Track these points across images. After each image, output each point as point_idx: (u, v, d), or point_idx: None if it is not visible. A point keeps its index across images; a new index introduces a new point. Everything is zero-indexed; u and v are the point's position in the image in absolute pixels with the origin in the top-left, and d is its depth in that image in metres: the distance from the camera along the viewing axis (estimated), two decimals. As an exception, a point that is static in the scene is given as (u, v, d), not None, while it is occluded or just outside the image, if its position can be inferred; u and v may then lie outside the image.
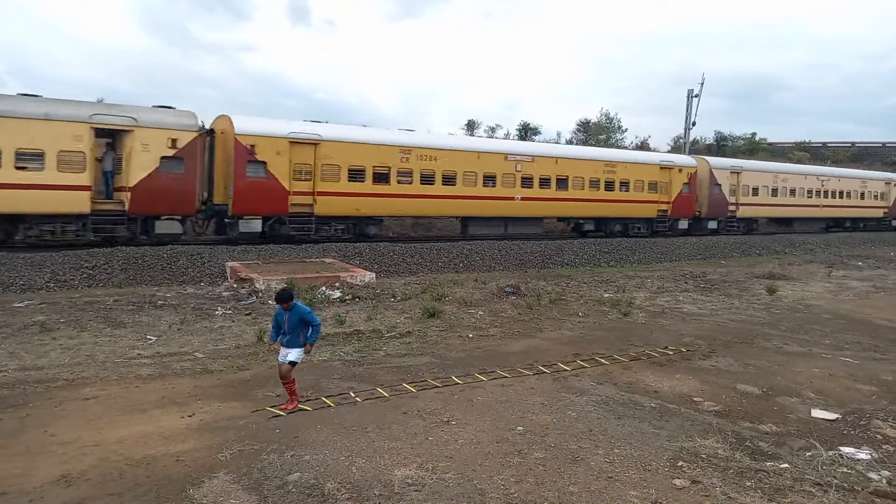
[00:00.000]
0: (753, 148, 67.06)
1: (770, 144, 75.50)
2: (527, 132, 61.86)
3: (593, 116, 67.32)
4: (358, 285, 15.45)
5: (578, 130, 66.65)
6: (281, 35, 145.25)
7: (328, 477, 5.69)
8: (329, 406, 7.59)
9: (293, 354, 7.44)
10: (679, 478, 5.92)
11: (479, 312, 13.47)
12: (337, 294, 14.36)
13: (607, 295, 16.16)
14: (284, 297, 7.42)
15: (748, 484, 5.87)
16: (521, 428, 7.04)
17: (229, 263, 16.99)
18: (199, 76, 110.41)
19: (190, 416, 7.14)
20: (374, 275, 16.77)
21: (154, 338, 10.71)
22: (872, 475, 6.28)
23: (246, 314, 12.67)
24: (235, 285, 15.09)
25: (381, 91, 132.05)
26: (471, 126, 64.25)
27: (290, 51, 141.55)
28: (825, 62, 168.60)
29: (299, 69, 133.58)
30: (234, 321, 12.11)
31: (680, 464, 6.23)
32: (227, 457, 6.09)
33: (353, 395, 7.99)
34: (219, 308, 13.05)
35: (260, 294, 14.10)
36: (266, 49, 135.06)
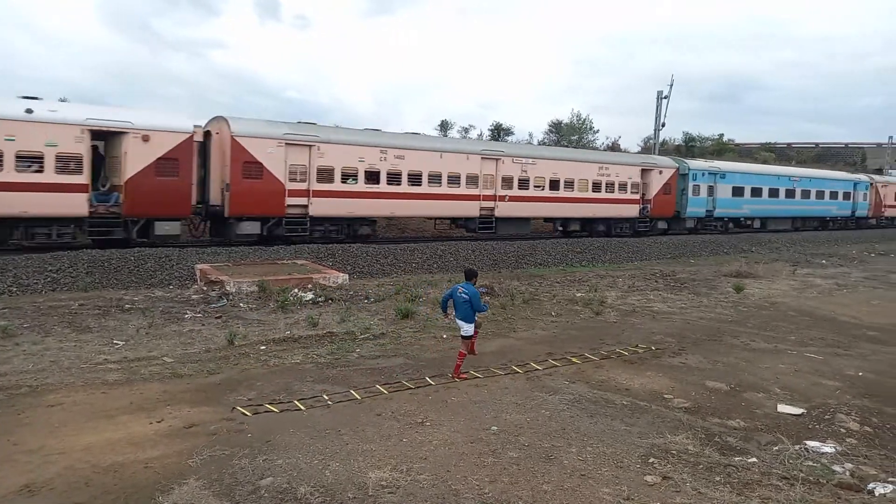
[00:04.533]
0: (721, 149, 68.37)
1: (737, 145, 77.14)
2: (499, 133, 62.12)
3: (565, 117, 67.84)
4: (331, 287, 15.34)
5: (550, 131, 67.16)
6: (251, 31, 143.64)
7: (301, 481, 5.64)
8: (301, 409, 7.51)
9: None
10: (650, 474, 5.99)
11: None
12: (309, 296, 14.24)
13: (580, 294, 16.31)
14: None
15: (717, 479, 5.97)
16: (496, 428, 7.06)
17: (199, 266, 16.73)
18: (168, 74, 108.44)
19: (159, 422, 7.01)
20: (347, 276, 16.67)
21: (121, 342, 10.49)
22: (836, 468, 6.44)
23: (216, 317, 12.48)
24: (205, 288, 14.87)
25: (354, 90, 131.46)
26: (444, 126, 64.28)
27: (262, 48, 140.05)
28: (802, 62, 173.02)
29: (271, 67, 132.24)
30: (204, 324, 11.92)
31: (651, 460, 6.32)
32: (198, 462, 5.99)
33: (325, 397, 7.93)
34: (188, 311, 12.84)
35: (231, 296, 13.90)
36: (237, 46, 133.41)
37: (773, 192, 38.31)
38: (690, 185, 33.52)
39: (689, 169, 33.76)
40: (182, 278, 16.51)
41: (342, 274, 16.66)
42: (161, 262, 17.07)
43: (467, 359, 9.14)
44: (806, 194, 40.81)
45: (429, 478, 5.78)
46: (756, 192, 37.08)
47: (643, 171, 31.91)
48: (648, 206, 32.01)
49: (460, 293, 8.94)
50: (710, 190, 34.60)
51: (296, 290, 14.43)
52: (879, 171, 66.82)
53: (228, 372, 9.02)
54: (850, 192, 45.39)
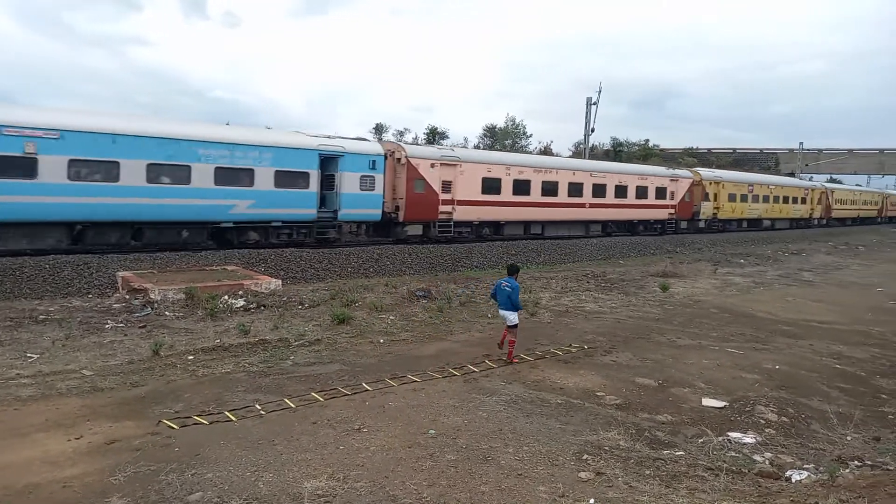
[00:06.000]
0: (647, 153, 71.15)
1: (662, 150, 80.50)
2: (434, 136, 62.40)
3: (500, 122, 68.94)
4: (263, 293, 14.94)
5: (485, 135, 68.08)
6: (176, 28, 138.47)
7: (233, 494, 5.45)
8: (233, 420, 7.27)
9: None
10: (584, 470, 6.13)
11: (390, 317, 13.39)
12: (240, 303, 13.81)
13: (514, 296, 16.52)
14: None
15: (647, 472, 6.17)
16: (433, 431, 7.05)
17: (121, 273, 15.95)
18: (85, 71, 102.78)
19: (78, 439, 6.62)
20: (279, 282, 16.29)
21: (35, 355, 9.85)
22: (757, 457, 6.79)
23: (140, 327, 11.91)
24: (128, 296, 14.18)
25: (286, 91, 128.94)
26: (379, 129, 64.09)
27: (187, 45, 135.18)
28: (719, 69, 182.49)
29: (198, 65, 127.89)
30: (126, 335, 11.36)
31: (585, 457, 6.46)
32: (121, 480, 5.69)
33: (258, 407, 7.70)
34: (109, 321, 12.20)
35: (156, 305, 13.31)
36: (160, 43, 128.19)
37: None
38: None
39: None
40: (102, 286, 15.69)
41: (275, 280, 16.27)
42: (79, 269, 16.16)
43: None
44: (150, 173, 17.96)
45: (366, 485, 5.70)
46: None
47: None
48: None
49: (504, 287, 10.10)
50: None
51: (226, 297, 13.97)
52: (792, 176, 71.21)
53: (153, 384, 8.62)
54: (310, 175, 21.33)
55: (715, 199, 40.67)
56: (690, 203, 38.30)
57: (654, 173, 36.58)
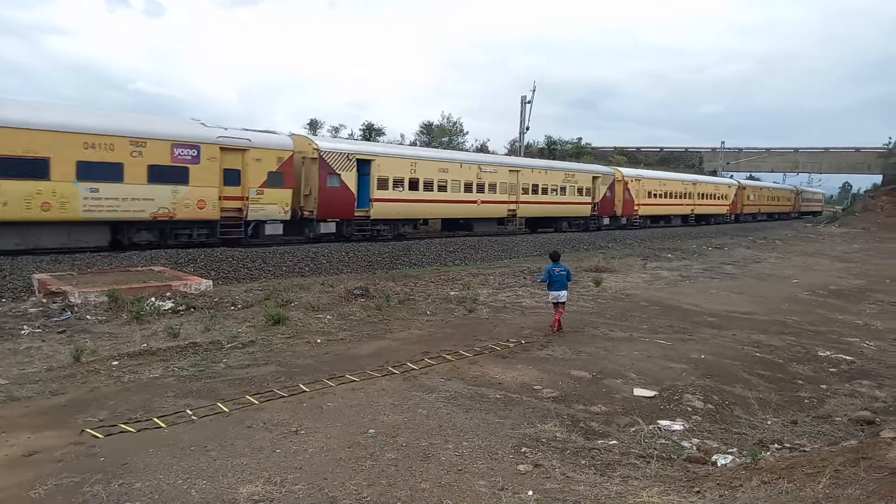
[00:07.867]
0: (579, 152, 72.97)
1: (594, 149, 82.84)
2: (371, 133, 61.91)
3: (436, 119, 69.11)
4: (193, 294, 14.43)
5: (422, 132, 68.08)
6: (96, 17, 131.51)
7: (163, 503, 5.24)
8: (162, 427, 6.98)
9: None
10: (523, 463, 6.23)
11: (328, 317, 13.20)
12: (168, 305, 13.29)
13: (453, 293, 16.62)
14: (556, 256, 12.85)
15: (583, 462, 6.33)
16: (373, 430, 7.00)
17: (37, 276, 15.05)
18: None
19: (-9, 453, 6.20)
20: (210, 282, 15.77)
21: (-59, 365, 9.17)
22: (685, 444, 7.08)
23: (59, 332, 11.28)
24: (45, 300, 13.39)
25: (216, 84, 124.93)
26: (313, 125, 63.07)
27: (109, 35, 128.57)
28: (651, 71, 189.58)
29: (120, 56, 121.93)
30: (44, 340, 10.73)
31: (523, 450, 6.56)
32: (42, 494, 5.37)
33: (189, 412, 7.43)
34: (25, 327, 11.50)
35: (76, 308, 12.63)
36: (80, 32, 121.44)
37: None
38: None
39: None
40: (16, 290, 14.77)
41: (205, 280, 15.74)
42: (-10, 272, 15.17)
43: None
44: None
45: (304, 487, 5.60)
46: None
47: None
48: None
49: (557, 272, 12.16)
50: None
51: (153, 299, 13.41)
52: (714, 173, 74.70)
53: (75, 391, 8.18)
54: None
55: None
56: None
57: None
